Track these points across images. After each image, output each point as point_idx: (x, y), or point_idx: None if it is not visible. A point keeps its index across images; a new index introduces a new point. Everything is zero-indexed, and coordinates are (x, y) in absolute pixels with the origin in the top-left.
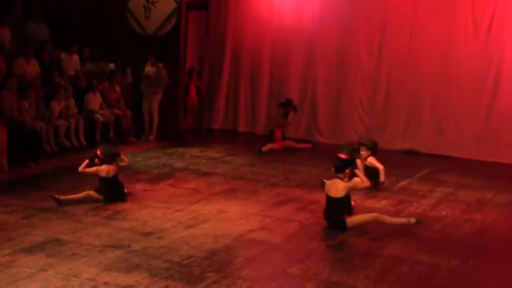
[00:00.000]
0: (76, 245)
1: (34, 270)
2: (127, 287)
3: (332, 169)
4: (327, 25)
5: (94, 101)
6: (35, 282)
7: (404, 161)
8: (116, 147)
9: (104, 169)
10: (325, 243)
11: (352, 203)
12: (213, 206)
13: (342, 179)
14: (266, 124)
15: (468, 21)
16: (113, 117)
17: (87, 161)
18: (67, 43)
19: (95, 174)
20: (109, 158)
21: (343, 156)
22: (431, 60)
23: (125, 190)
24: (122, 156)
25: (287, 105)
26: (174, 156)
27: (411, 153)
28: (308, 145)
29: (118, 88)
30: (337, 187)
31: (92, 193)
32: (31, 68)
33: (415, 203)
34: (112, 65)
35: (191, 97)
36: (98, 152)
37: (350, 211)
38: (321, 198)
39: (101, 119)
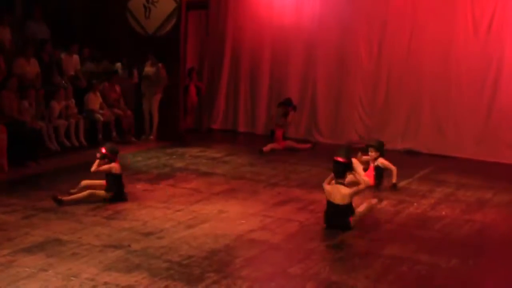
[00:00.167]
0: (76, 245)
1: (34, 270)
2: (127, 287)
3: (332, 174)
4: (327, 25)
5: (94, 101)
6: (35, 282)
7: (404, 161)
8: (118, 146)
9: (117, 166)
10: (325, 243)
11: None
12: (213, 206)
13: (344, 184)
14: (266, 124)
15: (468, 21)
16: (113, 117)
17: (98, 161)
18: (67, 43)
19: (108, 171)
20: (115, 155)
21: (340, 159)
22: (431, 60)
23: (124, 190)
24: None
25: (286, 105)
26: (174, 156)
27: (411, 153)
28: (308, 145)
29: (118, 88)
30: (341, 193)
31: (96, 192)
32: (31, 68)
33: (415, 203)
34: (118, 65)
35: (191, 97)
36: (104, 150)
37: (353, 211)
38: (321, 198)
39: (101, 119)
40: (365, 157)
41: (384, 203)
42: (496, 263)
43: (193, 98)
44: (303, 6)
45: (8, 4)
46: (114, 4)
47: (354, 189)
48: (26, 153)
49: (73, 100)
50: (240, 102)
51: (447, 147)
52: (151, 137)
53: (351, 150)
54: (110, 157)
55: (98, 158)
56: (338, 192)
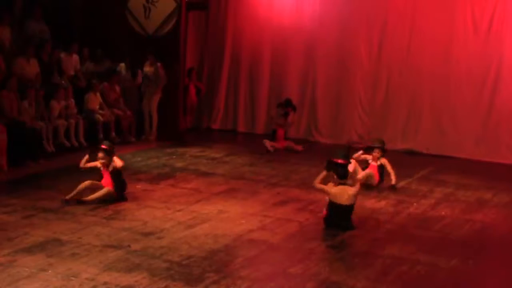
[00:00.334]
0: (76, 245)
1: (34, 270)
2: (127, 287)
3: (335, 176)
4: (327, 25)
5: (94, 101)
6: (35, 282)
7: (404, 161)
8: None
9: (119, 160)
10: (325, 243)
11: None
12: (213, 206)
13: (348, 184)
14: (266, 124)
15: (468, 21)
16: (113, 117)
17: (87, 157)
18: (67, 43)
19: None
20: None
21: (341, 161)
22: (431, 60)
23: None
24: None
25: (285, 106)
26: (174, 156)
27: (411, 153)
28: (299, 147)
29: (118, 88)
30: (349, 194)
31: (111, 190)
32: (31, 68)
33: (415, 203)
34: (122, 65)
35: (190, 97)
36: (104, 146)
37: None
38: (321, 198)
39: (101, 119)
40: (363, 156)
41: (384, 203)
42: (496, 263)
43: (193, 98)
44: (303, 6)
45: (8, 4)
46: (114, 4)
47: (358, 188)
48: (26, 153)
49: (72, 100)
50: (240, 102)
51: (447, 147)
52: (151, 137)
53: (349, 151)
54: (110, 151)
55: (100, 158)
56: (346, 193)
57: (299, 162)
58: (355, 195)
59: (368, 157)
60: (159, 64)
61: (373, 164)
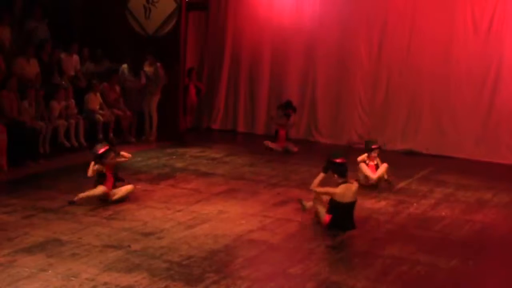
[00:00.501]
0: (76, 245)
1: (34, 270)
2: (127, 287)
3: (336, 175)
4: (327, 25)
5: (94, 101)
6: (35, 282)
7: (404, 161)
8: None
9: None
10: (325, 243)
11: None
12: (213, 206)
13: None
14: (266, 124)
15: (468, 21)
16: (113, 117)
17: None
18: (67, 43)
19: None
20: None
21: (340, 160)
22: (431, 60)
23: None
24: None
25: (286, 107)
26: (174, 156)
27: (411, 153)
28: (296, 148)
29: (118, 88)
30: (352, 191)
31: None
32: (31, 68)
33: (415, 204)
34: (125, 66)
35: (190, 97)
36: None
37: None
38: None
39: (101, 119)
40: (360, 157)
41: (384, 203)
42: (496, 263)
43: (193, 98)
44: (303, 6)
45: (8, 4)
46: (114, 4)
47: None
48: (25, 153)
49: (73, 101)
50: (240, 102)
51: (447, 147)
52: (151, 137)
53: (346, 151)
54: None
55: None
56: (350, 190)
57: (299, 162)
58: (357, 190)
59: (363, 157)
60: (158, 64)
61: (371, 164)
